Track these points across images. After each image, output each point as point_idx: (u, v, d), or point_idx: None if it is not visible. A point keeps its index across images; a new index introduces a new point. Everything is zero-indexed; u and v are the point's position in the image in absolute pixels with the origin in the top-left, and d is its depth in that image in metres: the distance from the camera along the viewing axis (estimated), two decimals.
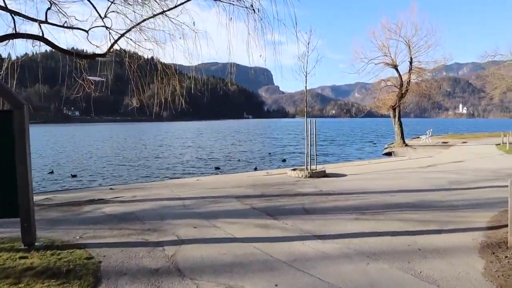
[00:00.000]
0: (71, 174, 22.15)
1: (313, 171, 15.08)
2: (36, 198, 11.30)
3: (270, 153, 34.27)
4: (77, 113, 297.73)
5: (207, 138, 63.83)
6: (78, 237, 6.88)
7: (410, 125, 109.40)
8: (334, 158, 29.53)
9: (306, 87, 15.52)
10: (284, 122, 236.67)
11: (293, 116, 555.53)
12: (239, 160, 29.92)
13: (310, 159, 15.41)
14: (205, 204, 9.95)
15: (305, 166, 15.56)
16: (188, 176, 20.46)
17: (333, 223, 7.82)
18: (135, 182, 18.54)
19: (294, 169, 15.66)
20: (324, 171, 15.46)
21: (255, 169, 24.26)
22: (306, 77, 15.39)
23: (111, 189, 12.95)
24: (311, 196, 10.84)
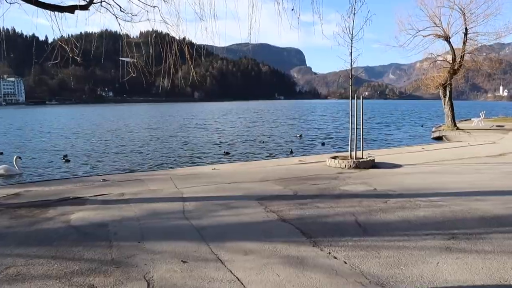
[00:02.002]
0: (63, 156, 19.74)
1: (359, 160, 11.89)
2: (7, 191, 8.84)
3: (300, 136, 30.87)
4: (110, 93, 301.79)
5: (234, 118, 60.83)
6: None
7: None
8: (378, 143, 25.87)
9: (351, 53, 12.21)
10: (316, 103, 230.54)
11: (326, 97, 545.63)
12: (263, 142, 26.94)
13: (356, 146, 12.23)
14: (213, 210, 7.01)
15: (349, 154, 12.37)
16: (205, 162, 17.60)
17: (412, 257, 4.72)
18: (140, 170, 15.87)
19: (334, 157, 12.49)
20: (373, 160, 12.22)
21: (291, 152, 21.21)
22: (351, 40, 12.08)
23: (103, 180, 10.25)
24: (363, 199, 7.72)
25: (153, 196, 8.23)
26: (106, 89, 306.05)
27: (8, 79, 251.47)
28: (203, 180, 10.11)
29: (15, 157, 15.23)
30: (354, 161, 11.79)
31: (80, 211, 6.97)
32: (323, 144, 25.15)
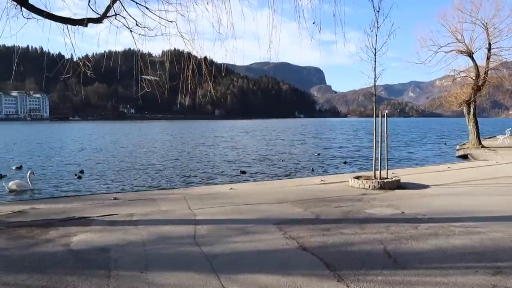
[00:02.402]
0: (80, 172, 19.55)
1: (384, 181, 11.16)
2: (12, 208, 8.45)
3: (318, 154, 30.13)
4: (132, 110, 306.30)
5: (253, 136, 60.40)
6: None
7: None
8: (401, 161, 24.93)
9: (375, 68, 11.60)
10: (336, 121, 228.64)
11: (345, 116, 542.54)
12: (282, 160, 26.29)
13: (380, 165, 11.52)
14: (227, 235, 6.41)
15: (373, 174, 11.65)
16: (222, 182, 17.02)
17: None
18: (154, 188, 15.42)
19: (357, 177, 11.78)
20: (399, 180, 11.47)
21: (312, 170, 20.54)
22: (375, 55, 11.51)
23: (114, 198, 9.79)
24: (391, 224, 7.01)
25: (163, 217, 7.68)
26: (128, 106, 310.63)
27: (34, 95, 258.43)
28: (219, 200, 9.53)
29: (29, 172, 15.00)
30: (378, 182, 11.07)
31: (83, 233, 6.47)
32: (345, 162, 24.38)
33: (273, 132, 75.27)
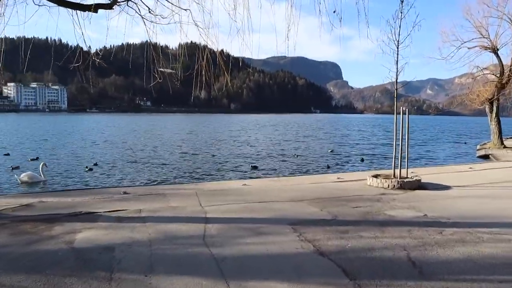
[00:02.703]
0: (93, 164, 19.44)
1: (404, 180, 10.66)
2: (20, 201, 8.25)
3: (332, 151, 29.57)
4: (148, 103, 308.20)
5: (268, 132, 59.89)
6: None
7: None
8: (420, 160, 24.13)
9: (397, 61, 11.06)
10: (352, 117, 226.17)
11: (362, 112, 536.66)
12: (297, 156, 25.88)
13: (400, 164, 11.02)
14: (238, 236, 6.05)
15: (392, 172, 11.15)
16: (236, 177, 16.70)
17: None
18: (166, 182, 15.17)
19: (375, 176, 11.30)
20: (419, 180, 10.96)
21: (328, 167, 20.12)
22: (397, 47, 10.96)
23: (124, 193, 9.52)
24: (413, 228, 6.56)
25: (173, 214, 7.36)
26: (144, 98, 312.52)
27: (52, 87, 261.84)
28: (231, 197, 9.18)
29: (41, 164, 14.89)
30: (398, 181, 10.57)
31: (89, 230, 6.18)
32: (362, 160, 23.82)
33: (288, 127, 74.70)
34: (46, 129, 58.38)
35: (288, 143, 37.80)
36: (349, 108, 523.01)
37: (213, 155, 25.66)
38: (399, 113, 11.17)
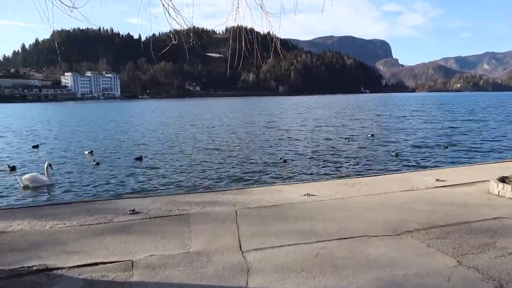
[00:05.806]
0: (94, 160, 17.29)
1: None
2: None
3: (372, 135, 26.27)
4: (197, 88, 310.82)
5: (319, 114, 55.65)
6: None
7: None
8: None
9: None
10: (404, 96, 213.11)
11: (413, 90, 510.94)
12: (348, 140, 23.94)
13: None
14: None
15: None
16: (286, 176, 13.43)
17: None
18: (195, 188, 12.20)
19: (502, 179, 7.53)
20: None
21: (396, 155, 17.57)
22: None
23: (132, 211, 6.51)
24: None
25: (186, 278, 4.10)
26: (194, 83, 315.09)
27: (106, 75, 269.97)
28: (289, 225, 5.84)
29: (46, 164, 12.33)
30: None
31: None
32: (446, 147, 19.71)
33: (339, 109, 69.72)
34: (106, 117, 58.05)
35: (339, 127, 33.80)
36: (400, 87, 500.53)
37: (256, 146, 22.21)
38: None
